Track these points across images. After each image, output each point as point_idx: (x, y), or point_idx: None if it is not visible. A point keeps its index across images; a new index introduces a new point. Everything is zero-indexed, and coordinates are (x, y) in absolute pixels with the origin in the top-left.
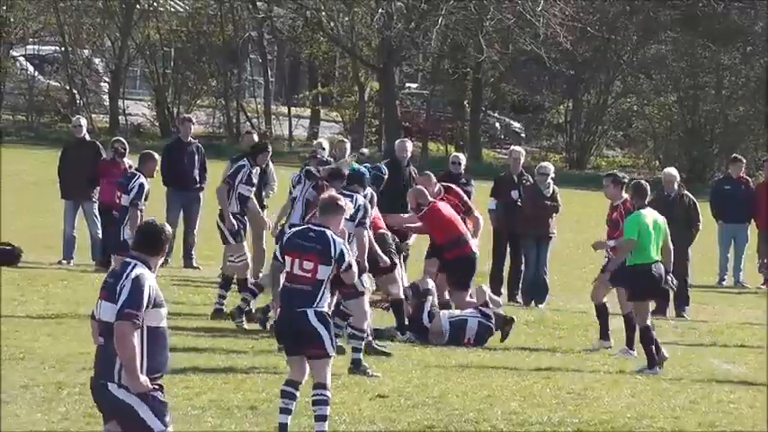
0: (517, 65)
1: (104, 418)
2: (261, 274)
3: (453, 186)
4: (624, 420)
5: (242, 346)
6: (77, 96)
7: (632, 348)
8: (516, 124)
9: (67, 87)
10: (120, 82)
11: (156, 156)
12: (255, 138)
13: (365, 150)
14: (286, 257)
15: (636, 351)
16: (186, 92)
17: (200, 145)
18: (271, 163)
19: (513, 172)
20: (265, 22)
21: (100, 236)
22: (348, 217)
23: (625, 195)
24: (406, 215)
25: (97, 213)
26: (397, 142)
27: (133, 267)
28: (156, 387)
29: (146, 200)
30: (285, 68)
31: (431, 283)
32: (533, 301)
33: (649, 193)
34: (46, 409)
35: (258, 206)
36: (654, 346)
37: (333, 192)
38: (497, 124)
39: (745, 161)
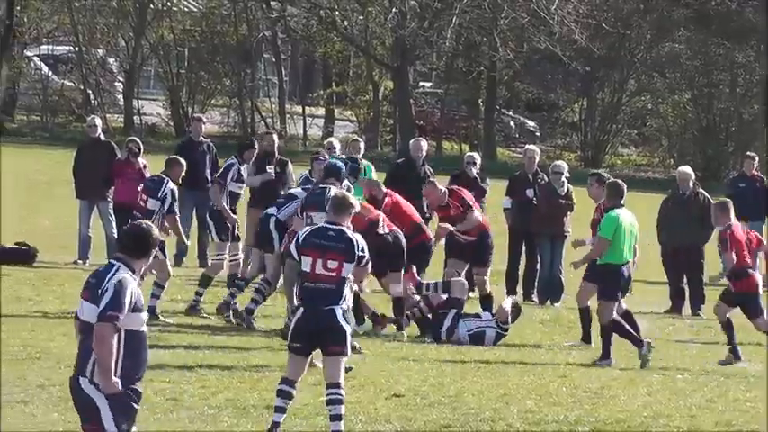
0: (531, 63)
1: (80, 418)
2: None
3: (455, 189)
4: (640, 419)
5: (257, 345)
6: (92, 96)
7: (589, 342)
8: (531, 123)
9: (82, 87)
10: (135, 82)
11: (182, 161)
12: (275, 138)
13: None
14: (304, 257)
15: (593, 344)
16: (200, 91)
17: (211, 144)
18: (290, 163)
19: (527, 171)
20: (279, 21)
21: (115, 235)
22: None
23: None
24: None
25: (112, 213)
26: (411, 141)
27: (116, 271)
28: (131, 392)
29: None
30: (299, 68)
31: (462, 292)
32: (549, 300)
33: (625, 192)
34: (62, 408)
35: None
36: (630, 337)
37: (343, 190)
38: (512, 123)
39: (757, 157)
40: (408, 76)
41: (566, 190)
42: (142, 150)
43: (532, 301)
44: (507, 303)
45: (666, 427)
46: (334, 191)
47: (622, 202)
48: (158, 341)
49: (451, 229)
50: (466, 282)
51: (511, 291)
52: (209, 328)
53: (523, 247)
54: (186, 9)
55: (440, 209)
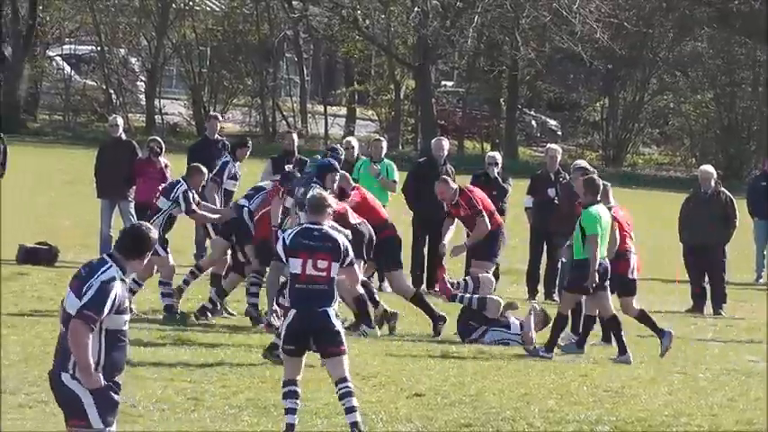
0: (553, 62)
1: (64, 414)
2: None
3: (465, 190)
4: (661, 418)
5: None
6: (114, 96)
7: (609, 341)
8: (552, 122)
9: (104, 87)
10: (157, 81)
11: (204, 169)
12: (295, 137)
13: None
14: (292, 259)
15: (613, 342)
16: (222, 91)
17: (227, 142)
18: (309, 162)
19: (549, 170)
20: (301, 20)
21: None
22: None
23: None
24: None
25: (133, 212)
26: (433, 141)
27: (107, 269)
28: (111, 384)
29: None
30: (321, 67)
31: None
32: None
33: (601, 188)
34: None
35: None
36: (583, 334)
37: (321, 191)
38: (533, 122)
39: None
40: (430, 76)
41: None
42: (164, 150)
43: (554, 300)
44: (531, 324)
45: (687, 426)
46: (312, 192)
47: (599, 198)
48: (179, 340)
49: (466, 245)
50: (501, 300)
51: (532, 290)
52: (229, 328)
53: (545, 247)
54: (208, 8)
55: (453, 207)
